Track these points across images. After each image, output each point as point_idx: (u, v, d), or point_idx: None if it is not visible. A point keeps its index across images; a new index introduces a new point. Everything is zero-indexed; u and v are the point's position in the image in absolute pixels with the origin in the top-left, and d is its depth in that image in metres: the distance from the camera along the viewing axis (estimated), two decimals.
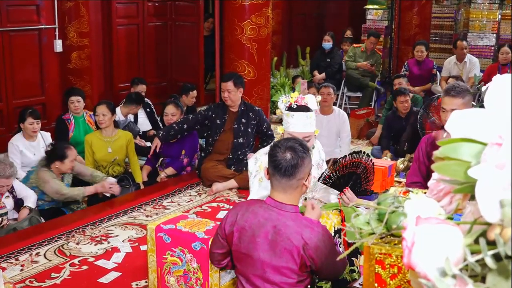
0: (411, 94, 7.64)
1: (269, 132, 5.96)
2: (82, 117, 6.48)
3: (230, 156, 5.86)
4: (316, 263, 2.61)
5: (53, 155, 5.19)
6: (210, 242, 3.03)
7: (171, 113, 6.17)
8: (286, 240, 2.61)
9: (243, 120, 5.83)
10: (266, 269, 2.65)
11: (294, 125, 3.45)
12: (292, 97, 3.53)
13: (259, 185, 3.51)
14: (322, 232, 2.63)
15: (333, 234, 3.25)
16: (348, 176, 3.29)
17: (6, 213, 4.81)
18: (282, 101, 3.55)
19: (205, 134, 6.15)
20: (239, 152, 5.85)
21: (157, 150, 5.95)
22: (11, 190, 4.94)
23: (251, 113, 5.85)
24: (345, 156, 3.29)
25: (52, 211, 5.23)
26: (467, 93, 3.68)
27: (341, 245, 3.30)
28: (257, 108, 5.94)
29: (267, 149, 3.56)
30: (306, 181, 2.73)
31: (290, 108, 3.51)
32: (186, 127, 5.95)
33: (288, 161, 2.65)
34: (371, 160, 3.36)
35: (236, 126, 5.81)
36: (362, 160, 3.29)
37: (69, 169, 5.28)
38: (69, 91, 6.56)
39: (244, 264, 2.72)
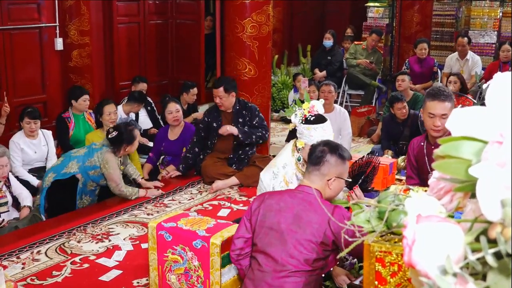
0: (411, 92, 7.64)
1: (263, 123, 5.90)
2: (82, 115, 6.49)
3: (231, 156, 5.85)
4: (341, 239, 2.66)
5: (121, 140, 5.18)
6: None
7: (175, 110, 6.09)
8: (311, 213, 2.76)
9: (240, 120, 5.81)
10: (289, 241, 2.75)
11: (319, 137, 3.47)
12: (304, 109, 3.54)
13: None
14: (347, 213, 2.74)
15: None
16: (359, 175, 3.40)
17: (6, 203, 4.83)
18: (297, 114, 3.55)
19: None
20: (240, 152, 5.85)
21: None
22: (8, 185, 4.95)
23: (244, 111, 5.83)
24: (363, 156, 3.42)
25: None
26: (452, 97, 3.68)
27: None
28: (250, 105, 5.90)
29: (284, 160, 3.59)
30: (330, 181, 2.89)
31: (307, 121, 3.52)
32: (198, 149, 5.95)
33: (318, 151, 2.92)
34: (379, 160, 3.47)
35: (239, 126, 5.80)
36: (374, 161, 3.42)
37: (134, 150, 5.36)
38: (77, 90, 6.57)
39: (267, 238, 2.82)
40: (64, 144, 6.37)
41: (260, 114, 5.94)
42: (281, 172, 3.56)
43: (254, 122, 5.85)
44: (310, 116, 3.53)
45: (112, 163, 5.15)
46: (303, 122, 3.54)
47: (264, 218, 2.85)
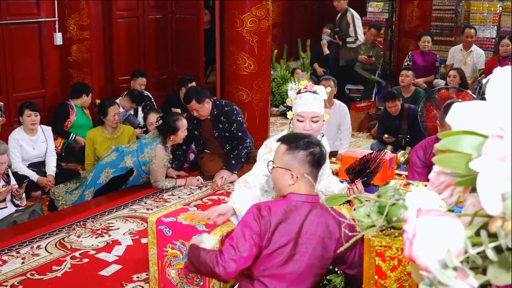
0: (412, 88, 7.65)
1: (239, 134, 5.68)
2: (80, 108, 6.85)
3: (227, 154, 5.81)
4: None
5: (165, 129, 5.29)
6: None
7: (152, 123, 5.94)
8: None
9: (220, 126, 5.71)
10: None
11: (302, 105, 3.40)
12: (301, 84, 3.50)
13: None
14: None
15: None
16: (363, 170, 3.39)
17: (4, 199, 4.85)
18: (292, 87, 3.51)
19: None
20: (236, 152, 5.77)
21: None
22: (7, 181, 4.95)
23: (222, 117, 5.68)
24: (372, 151, 3.42)
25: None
26: None
27: None
28: (227, 108, 5.70)
29: (280, 135, 3.56)
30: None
31: (299, 93, 3.48)
32: (186, 147, 5.97)
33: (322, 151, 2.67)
34: (385, 157, 3.47)
35: (217, 133, 5.75)
36: (380, 158, 3.41)
37: (182, 139, 5.43)
38: (84, 88, 6.91)
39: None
40: (60, 129, 6.49)
41: (238, 118, 5.71)
42: (270, 144, 3.52)
43: (232, 129, 5.68)
44: (304, 90, 3.46)
45: (159, 160, 5.29)
46: (296, 94, 3.48)
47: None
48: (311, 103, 3.37)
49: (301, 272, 2.54)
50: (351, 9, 8.85)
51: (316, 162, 2.61)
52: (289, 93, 3.50)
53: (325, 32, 9.59)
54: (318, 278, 2.64)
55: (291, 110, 3.48)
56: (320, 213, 2.59)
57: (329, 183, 3.59)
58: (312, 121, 3.34)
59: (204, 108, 5.62)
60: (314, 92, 3.43)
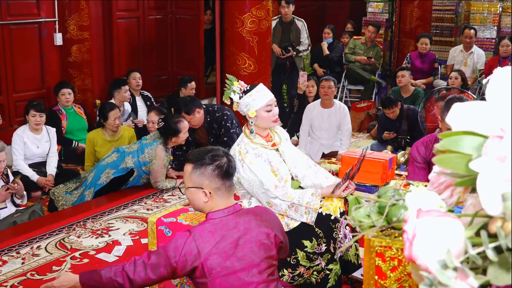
0: (412, 88, 7.65)
1: (225, 139, 5.68)
2: (72, 109, 6.76)
3: None
4: None
5: (167, 131, 5.31)
6: None
7: (152, 121, 5.99)
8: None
9: (214, 132, 5.74)
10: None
11: (265, 95, 3.46)
12: (238, 85, 3.51)
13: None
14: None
15: (339, 216, 3.34)
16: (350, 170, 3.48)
17: (4, 200, 4.85)
18: (234, 92, 3.51)
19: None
20: None
21: None
22: (7, 181, 4.95)
23: (215, 124, 5.72)
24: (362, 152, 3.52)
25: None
26: None
27: (346, 227, 3.35)
28: (217, 114, 5.72)
29: (237, 141, 3.57)
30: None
31: (245, 91, 3.49)
32: (185, 147, 5.95)
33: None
34: (364, 153, 3.57)
35: (212, 140, 5.76)
36: (363, 156, 3.48)
37: (184, 140, 5.47)
38: (60, 84, 6.81)
39: None
40: (59, 137, 6.48)
41: (227, 124, 5.70)
42: (234, 148, 3.54)
43: (220, 133, 5.71)
44: (245, 88, 3.50)
45: (159, 160, 5.31)
46: (243, 95, 3.50)
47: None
48: (269, 93, 3.50)
49: (256, 280, 2.50)
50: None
51: (225, 174, 2.56)
52: (236, 99, 3.49)
53: (326, 33, 9.59)
54: (275, 275, 2.63)
55: (248, 110, 3.47)
56: (248, 219, 2.56)
57: (318, 179, 3.61)
58: (275, 106, 3.50)
59: (195, 118, 5.64)
60: (251, 85, 3.54)
